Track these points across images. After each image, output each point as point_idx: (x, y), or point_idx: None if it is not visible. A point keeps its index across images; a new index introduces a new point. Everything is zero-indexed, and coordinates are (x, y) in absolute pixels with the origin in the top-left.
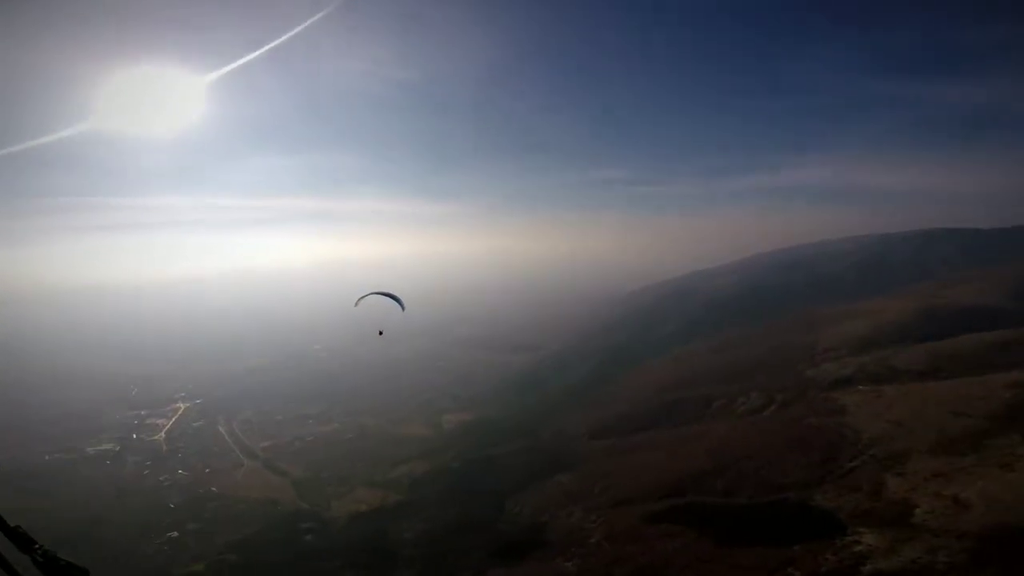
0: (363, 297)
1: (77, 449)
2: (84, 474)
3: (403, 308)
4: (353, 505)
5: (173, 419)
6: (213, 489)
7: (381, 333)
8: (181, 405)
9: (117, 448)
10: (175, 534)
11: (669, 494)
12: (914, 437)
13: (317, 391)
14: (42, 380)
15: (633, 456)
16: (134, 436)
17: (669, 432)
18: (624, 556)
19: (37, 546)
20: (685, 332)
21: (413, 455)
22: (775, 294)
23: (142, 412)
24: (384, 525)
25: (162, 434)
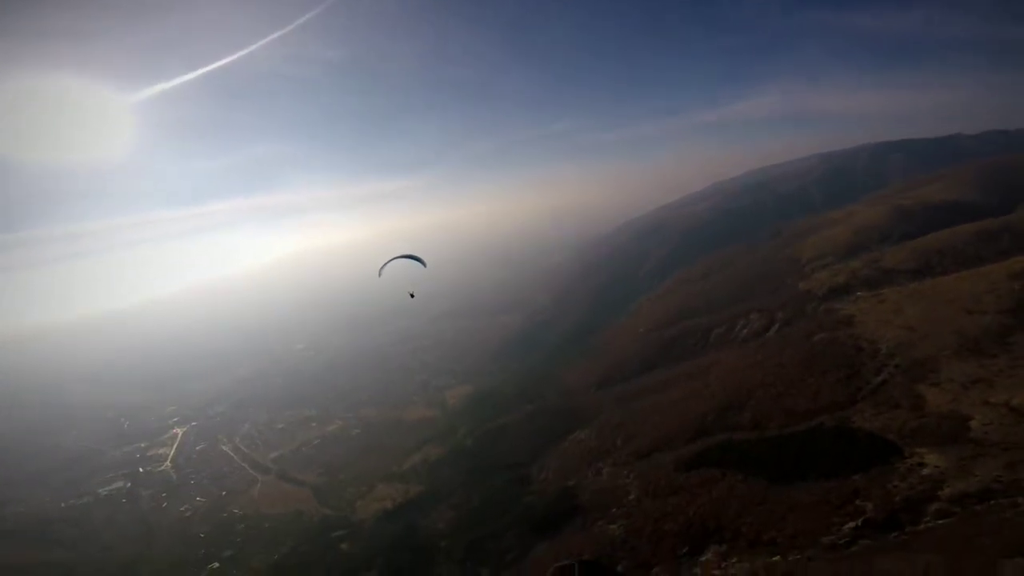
0: (384, 265)
1: (90, 492)
2: (105, 515)
3: (424, 264)
4: (377, 503)
5: (174, 446)
6: (236, 511)
7: (412, 296)
8: (178, 431)
9: (128, 484)
10: (216, 565)
11: (695, 436)
12: (934, 341)
13: (311, 391)
14: (30, 426)
15: (645, 400)
16: (140, 470)
17: (675, 369)
18: (670, 510)
19: None
20: (667, 264)
21: (424, 440)
22: (746, 215)
23: (141, 444)
24: (413, 519)
25: (168, 463)
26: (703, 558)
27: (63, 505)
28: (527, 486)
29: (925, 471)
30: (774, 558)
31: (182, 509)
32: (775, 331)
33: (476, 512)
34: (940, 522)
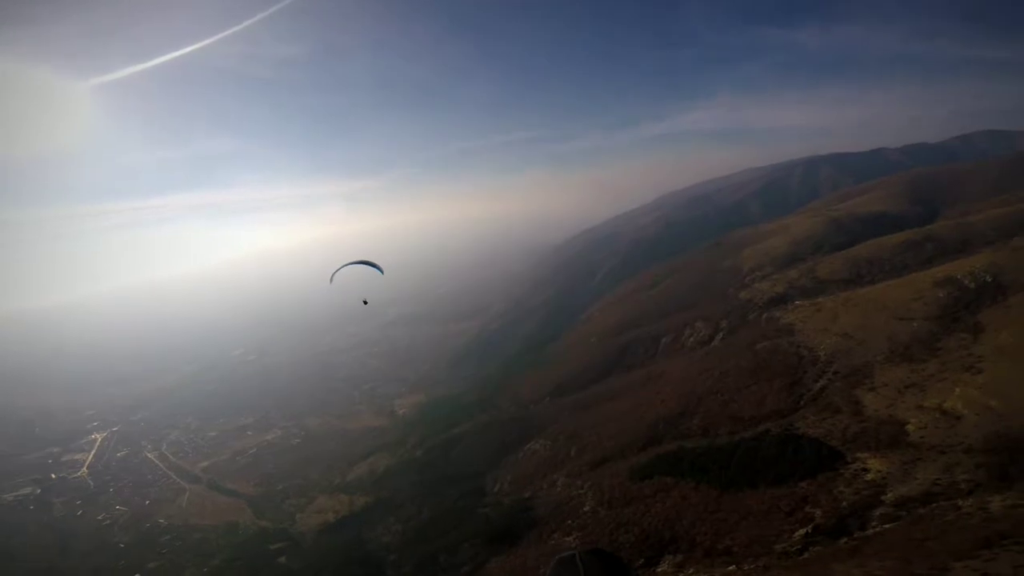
0: (337, 271)
1: None
2: (12, 524)
3: (382, 272)
4: (319, 516)
5: (92, 452)
6: (161, 521)
7: (366, 302)
8: (97, 436)
9: (37, 491)
10: None
11: (648, 444)
12: (868, 347)
13: (248, 399)
14: None
15: (598, 409)
16: (52, 476)
17: (626, 377)
18: (625, 520)
19: None
20: (617, 274)
21: (371, 450)
22: (690, 227)
23: (54, 449)
24: (359, 532)
25: (84, 469)
26: (659, 569)
27: None
28: (481, 498)
29: (869, 476)
30: (729, 568)
31: (99, 518)
32: (720, 339)
33: (427, 525)
34: (887, 527)
